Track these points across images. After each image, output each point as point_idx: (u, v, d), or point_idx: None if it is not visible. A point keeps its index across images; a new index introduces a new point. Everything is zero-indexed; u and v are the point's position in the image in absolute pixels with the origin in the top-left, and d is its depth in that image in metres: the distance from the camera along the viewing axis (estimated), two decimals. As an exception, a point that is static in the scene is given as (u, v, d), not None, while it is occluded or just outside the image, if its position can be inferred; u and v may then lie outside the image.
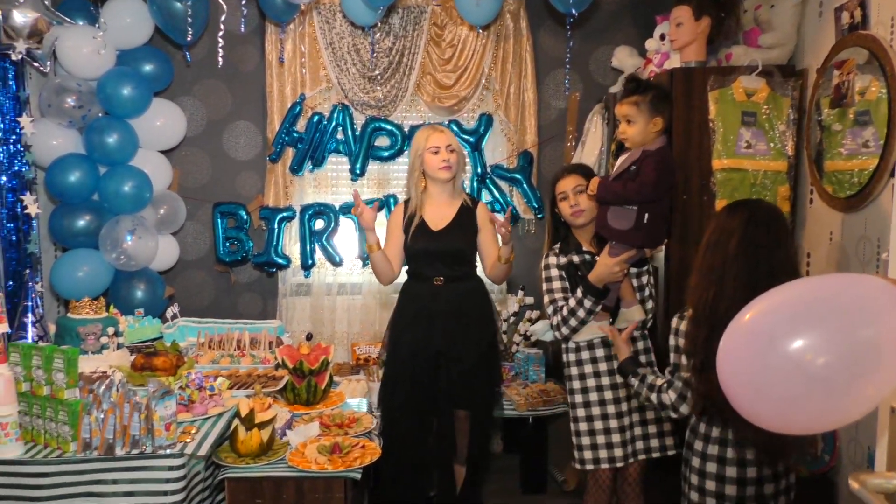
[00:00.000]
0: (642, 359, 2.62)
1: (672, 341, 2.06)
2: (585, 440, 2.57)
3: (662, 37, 3.37)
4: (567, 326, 2.52)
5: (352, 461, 2.22)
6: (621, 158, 2.55)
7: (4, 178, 3.50)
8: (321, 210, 4.00)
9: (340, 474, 2.17)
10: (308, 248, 4.00)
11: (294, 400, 2.68)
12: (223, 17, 3.17)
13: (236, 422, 2.23)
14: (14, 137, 3.56)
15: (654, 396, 2.07)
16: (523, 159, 4.01)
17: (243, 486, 2.16)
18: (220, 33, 3.05)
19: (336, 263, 4.02)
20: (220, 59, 3.14)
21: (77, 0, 3.72)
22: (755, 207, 1.90)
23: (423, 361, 2.93)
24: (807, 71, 2.95)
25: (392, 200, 4.00)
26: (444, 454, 3.04)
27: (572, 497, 3.49)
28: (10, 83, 3.57)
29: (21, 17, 3.39)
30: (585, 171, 2.69)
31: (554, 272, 2.61)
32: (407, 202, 3.06)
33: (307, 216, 3.99)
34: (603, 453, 2.55)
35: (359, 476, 2.21)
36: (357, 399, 2.90)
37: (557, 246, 2.66)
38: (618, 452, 2.55)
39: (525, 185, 4.01)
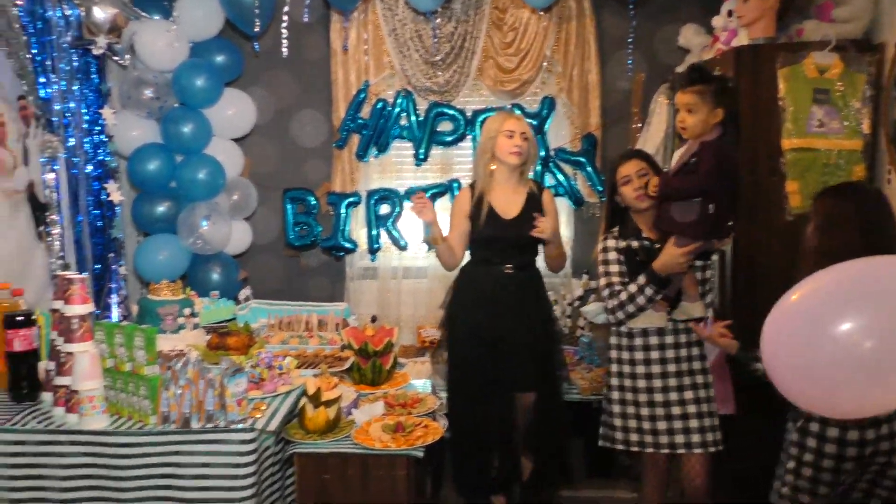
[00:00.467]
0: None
1: None
2: (632, 423, 2.57)
3: (730, 13, 3.27)
4: (623, 311, 2.51)
5: (414, 440, 2.29)
6: (679, 152, 2.52)
7: (90, 167, 3.71)
8: (386, 195, 4.07)
9: (403, 452, 2.24)
10: (374, 232, 4.08)
11: (359, 380, 2.77)
12: (287, 8, 3.23)
13: (304, 400, 2.33)
14: (97, 128, 3.77)
15: None
16: (587, 142, 3.98)
17: (311, 461, 2.26)
18: (284, 24, 3.11)
19: (401, 247, 4.10)
20: (283, 50, 3.21)
21: (153, -5, 3.88)
22: (864, 190, 1.92)
23: (488, 346, 2.94)
24: (884, 45, 2.82)
25: (455, 185, 4.03)
26: (509, 438, 3.06)
27: (638, 481, 3.48)
28: (93, 76, 3.78)
29: (101, 14, 3.57)
30: (646, 156, 2.68)
31: (612, 255, 2.59)
32: (472, 187, 3.05)
33: (373, 201, 4.07)
34: (649, 438, 2.55)
35: (421, 455, 2.27)
36: (421, 380, 2.97)
37: (616, 230, 2.64)
38: (664, 439, 2.54)
39: (589, 168, 3.97)
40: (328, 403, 2.33)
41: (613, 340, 2.64)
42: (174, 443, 2.06)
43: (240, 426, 2.08)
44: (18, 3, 3.13)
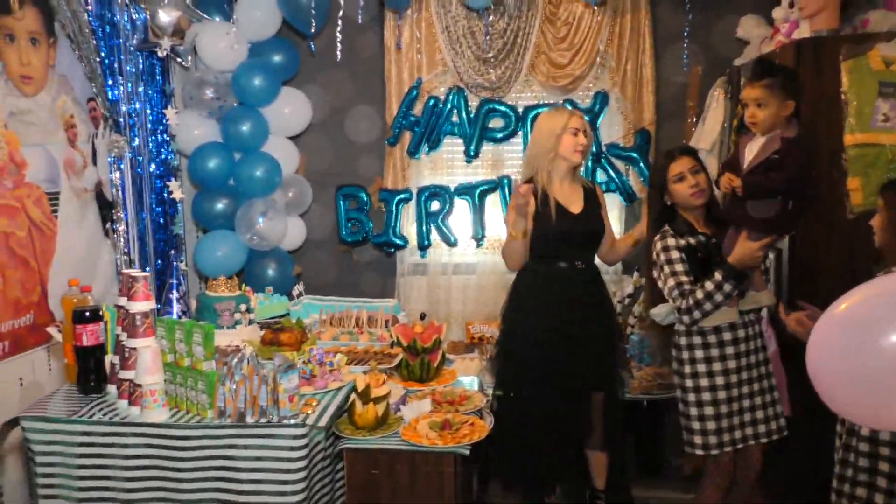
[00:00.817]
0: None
1: None
2: (711, 424, 2.53)
3: (791, 4, 3.17)
4: (700, 310, 2.45)
5: (461, 437, 2.32)
6: (753, 145, 2.48)
7: (153, 166, 3.86)
8: (437, 192, 4.10)
9: (450, 450, 2.27)
10: (424, 228, 4.12)
11: (408, 376, 2.81)
12: (342, 9, 3.25)
13: (353, 396, 2.38)
14: (161, 128, 3.91)
15: None
16: (640, 137, 3.92)
17: (360, 456, 2.32)
18: (339, 27, 3.16)
19: (451, 244, 4.12)
20: (338, 53, 3.26)
21: (213, -2, 4.00)
22: None
23: (561, 344, 2.86)
24: (957, 36, 2.69)
25: (506, 182, 4.03)
26: (580, 439, 3.02)
27: (688, 481, 3.43)
28: (158, 78, 3.92)
29: (166, 17, 3.69)
30: (695, 152, 2.66)
31: (675, 254, 2.53)
32: (530, 183, 2.90)
33: (423, 198, 4.11)
34: (726, 437, 2.53)
35: (467, 452, 2.30)
36: (469, 377, 2.99)
37: (668, 228, 2.60)
38: (737, 434, 2.54)
39: (642, 164, 3.92)
40: (377, 400, 2.38)
41: (683, 341, 2.57)
42: (229, 436, 2.14)
43: (291, 421, 2.15)
44: (89, 7, 3.27)
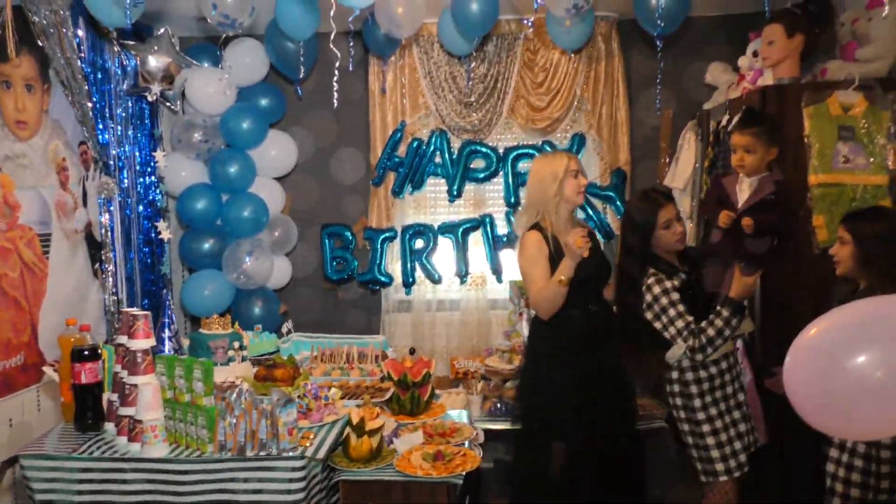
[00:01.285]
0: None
1: None
2: (728, 449, 2.64)
3: (755, 54, 3.38)
4: (713, 347, 2.56)
5: (454, 468, 2.38)
6: (743, 186, 2.66)
7: (141, 207, 3.92)
8: (421, 230, 4.22)
9: (443, 480, 2.33)
10: (409, 266, 4.21)
11: (399, 410, 2.87)
12: (338, 59, 3.34)
13: (348, 429, 2.44)
14: (149, 170, 3.99)
15: None
16: (616, 177, 4.09)
17: (356, 488, 2.36)
18: (335, 78, 3.29)
19: (435, 281, 4.22)
20: (335, 99, 3.38)
21: (202, 44, 4.12)
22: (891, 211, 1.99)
23: (590, 390, 2.82)
24: (907, 83, 2.90)
25: (487, 220, 4.16)
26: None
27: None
28: (146, 122, 4.01)
29: (155, 62, 3.80)
30: (673, 198, 2.80)
31: (675, 296, 2.61)
32: (541, 231, 2.85)
33: (408, 236, 4.21)
34: (742, 457, 2.66)
35: (461, 482, 2.36)
36: (457, 410, 3.06)
37: (656, 272, 2.68)
38: (742, 458, 2.66)
39: (618, 203, 4.08)
40: (371, 433, 2.44)
41: (691, 376, 2.65)
42: (229, 469, 2.18)
43: (290, 454, 2.20)
44: (82, 54, 3.36)
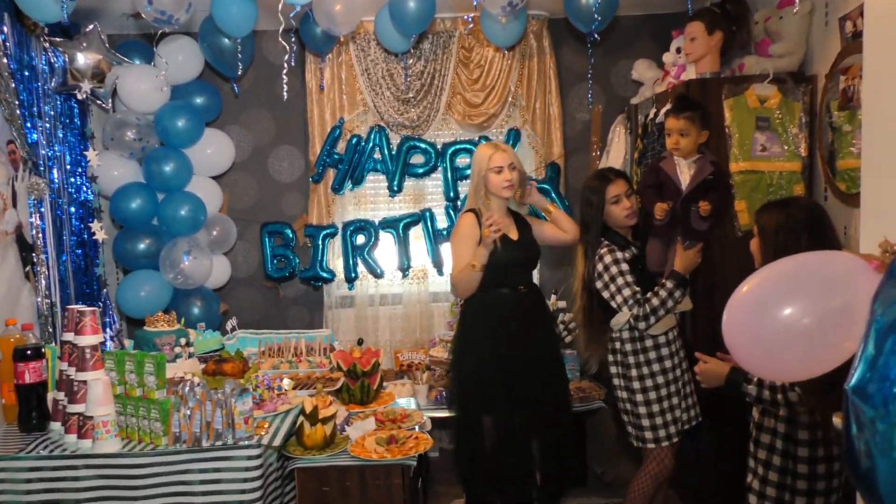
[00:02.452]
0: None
1: None
2: (659, 419, 2.78)
3: (678, 50, 3.58)
4: (655, 316, 2.70)
5: (408, 450, 2.45)
6: (682, 168, 2.83)
7: (73, 208, 3.82)
8: (362, 226, 4.26)
9: (398, 462, 2.40)
10: (351, 262, 4.25)
11: (349, 400, 2.92)
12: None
13: (302, 418, 2.48)
14: (80, 170, 3.88)
15: (779, 396, 2.04)
16: (551, 170, 4.23)
17: (311, 475, 2.40)
18: (284, 71, 3.30)
19: (377, 276, 4.27)
20: (284, 92, 3.41)
21: (134, 41, 4.05)
22: (808, 206, 2.09)
23: (516, 366, 2.99)
24: (816, 77, 3.13)
25: (428, 214, 4.24)
26: (531, 452, 3.19)
27: (612, 488, 3.67)
28: (76, 120, 3.91)
29: (84, 60, 3.71)
30: (626, 176, 2.94)
31: (624, 266, 2.75)
32: (476, 215, 3.04)
33: (349, 232, 4.25)
34: (672, 429, 2.80)
35: (414, 463, 2.43)
36: (405, 398, 3.14)
37: (610, 243, 2.81)
38: (677, 427, 2.81)
39: (554, 195, 4.22)
40: (325, 420, 2.48)
41: (629, 347, 2.81)
42: (185, 461, 2.19)
43: (247, 443, 2.22)
44: (7, 51, 3.26)
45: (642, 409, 2.80)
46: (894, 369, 0.83)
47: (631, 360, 2.81)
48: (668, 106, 3.07)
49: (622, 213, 2.82)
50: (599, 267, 2.79)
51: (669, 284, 2.70)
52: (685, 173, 2.82)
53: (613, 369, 2.87)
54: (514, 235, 3.09)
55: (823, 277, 1.16)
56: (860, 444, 0.84)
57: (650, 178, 2.93)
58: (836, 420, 1.08)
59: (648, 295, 2.72)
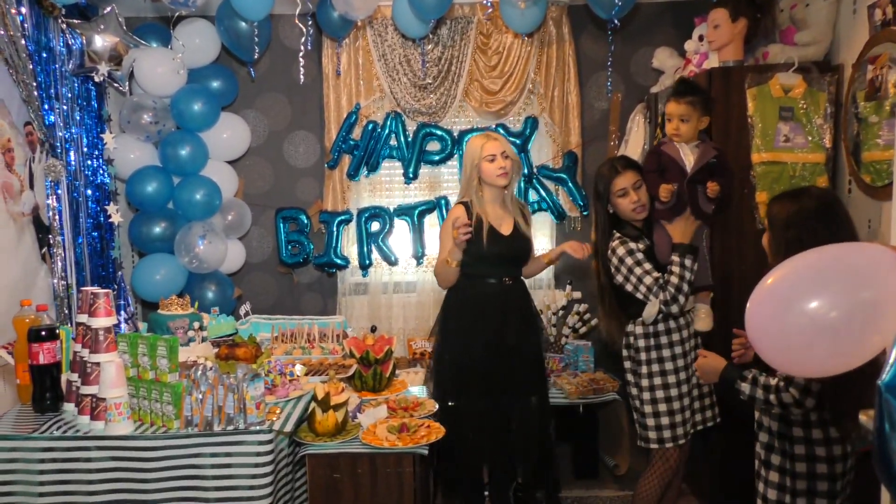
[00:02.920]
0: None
1: None
2: (664, 420, 2.73)
3: (701, 38, 3.51)
4: (682, 293, 2.63)
5: (419, 439, 2.44)
6: (685, 152, 2.75)
7: (90, 191, 3.82)
8: (377, 213, 4.24)
9: (409, 450, 2.39)
10: (365, 248, 4.23)
11: (361, 387, 2.91)
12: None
13: (313, 404, 2.47)
14: (97, 152, 3.89)
15: (772, 397, 2.00)
16: (568, 159, 4.18)
17: (322, 461, 2.40)
18: (301, 54, 3.27)
19: (392, 263, 4.25)
20: (301, 75, 3.37)
21: (151, 24, 4.04)
22: (820, 195, 1.99)
23: (493, 356, 3.02)
24: (842, 66, 3.06)
25: (443, 202, 4.21)
26: (507, 444, 3.18)
27: (624, 481, 3.65)
28: (93, 103, 3.90)
29: (102, 42, 3.70)
30: (637, 166, 2.85)
31: (640, 255, 2.70)
32: (467, 207, 3.06)
33: (364, 219, 4.23)
34: (679, 430, 2.74)
35: (426, 452, 2.42)
36: (418, 387, 3.12)
37: (619, 235, 2.76)
38: (684, 430, 2.75)
39: (570, 184, 4.18)
40: (337, 407, 2.47)
41: (642, 343, 2.76)
42: (197, 445, 2.18)
43: (258, 428, 2.21)
44: (26, 33, 3.26)
45: (647, 409, 2.75)
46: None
47: (643, 356, 2.76)
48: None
49: (629, 207, 2.74)
50: (615, 260, 2.74)
51: (676, 258, 2.65)
52: (689, 156, 2.75)
53: (626, 364, 2.84)
54: (506, 230, 3.08)
55: (852, 270, 1.12)
56: (894, 443, 0.80)
57: (652, 163, 2.81)
58: (864, 418, 1.04)
59: (665, 276, 2.66)
